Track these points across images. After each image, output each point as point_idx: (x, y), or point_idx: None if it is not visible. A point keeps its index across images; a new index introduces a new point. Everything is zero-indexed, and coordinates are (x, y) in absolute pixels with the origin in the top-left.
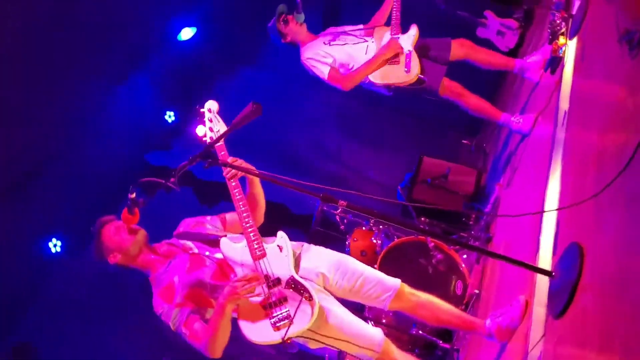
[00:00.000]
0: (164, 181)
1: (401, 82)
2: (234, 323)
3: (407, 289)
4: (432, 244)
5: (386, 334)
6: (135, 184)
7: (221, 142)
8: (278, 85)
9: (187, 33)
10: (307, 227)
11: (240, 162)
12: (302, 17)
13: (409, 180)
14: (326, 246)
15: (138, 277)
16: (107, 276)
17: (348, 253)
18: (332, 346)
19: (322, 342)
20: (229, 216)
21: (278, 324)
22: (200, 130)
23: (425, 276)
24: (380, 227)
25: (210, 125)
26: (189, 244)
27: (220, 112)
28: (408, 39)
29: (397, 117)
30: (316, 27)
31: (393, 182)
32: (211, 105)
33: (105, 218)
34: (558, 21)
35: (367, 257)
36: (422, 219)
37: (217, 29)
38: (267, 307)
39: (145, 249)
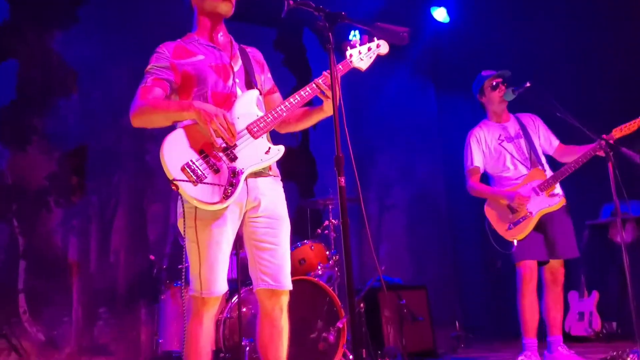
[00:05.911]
0: None
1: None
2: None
3: (284, 302)
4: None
5: None
6: None
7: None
8: None
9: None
10: None
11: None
12: (511, 96)
13: None
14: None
15: None
16: None
17: (293, 248)
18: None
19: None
20: (276, 96)
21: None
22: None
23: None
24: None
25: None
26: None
27: None
28: (539, 204)
29: None
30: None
31: None
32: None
33: None
34: None
35: (302, 267)
36: None
37: None
38: (205, 157)
39: (218, 20)
